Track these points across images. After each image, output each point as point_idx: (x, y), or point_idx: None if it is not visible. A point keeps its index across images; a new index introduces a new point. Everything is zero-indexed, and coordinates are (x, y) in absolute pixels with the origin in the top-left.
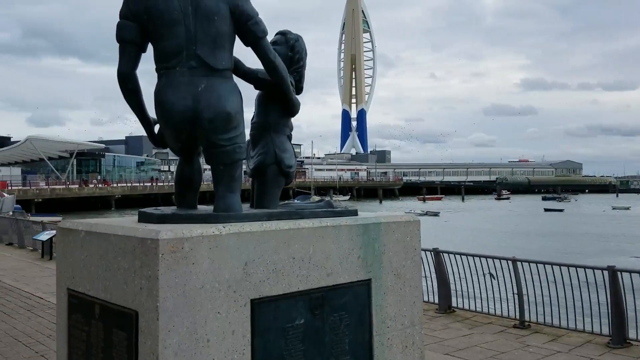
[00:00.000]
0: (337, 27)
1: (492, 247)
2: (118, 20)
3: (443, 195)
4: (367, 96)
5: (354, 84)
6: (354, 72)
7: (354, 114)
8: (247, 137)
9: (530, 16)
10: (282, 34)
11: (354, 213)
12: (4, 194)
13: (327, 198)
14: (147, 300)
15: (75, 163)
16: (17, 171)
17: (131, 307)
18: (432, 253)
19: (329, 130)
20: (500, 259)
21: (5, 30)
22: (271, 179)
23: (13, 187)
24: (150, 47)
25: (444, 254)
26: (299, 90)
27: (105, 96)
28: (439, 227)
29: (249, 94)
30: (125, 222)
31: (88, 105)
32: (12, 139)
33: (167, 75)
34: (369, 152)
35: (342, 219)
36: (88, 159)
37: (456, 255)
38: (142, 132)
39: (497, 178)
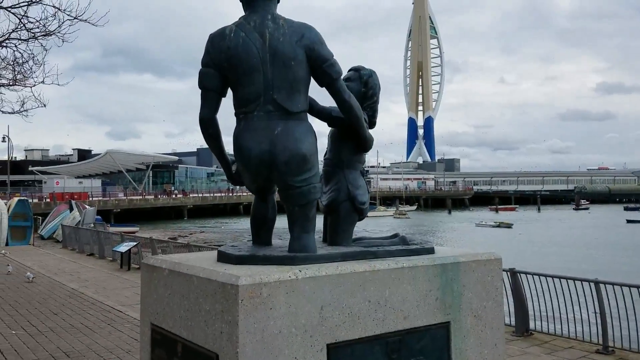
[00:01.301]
0: (403, 34)
1: (571, 262)
2: (200, 68)
3: (517, 206)
4: (434, 103)
5: (420, 91)
6: (420, 79)
7: (420, 122)
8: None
9: (607, 17)
10: (356, 70)
11: (431, 251)
12: (86, 206)
13: (402, 232)
14: (227, 345)
15: (150, 175)
16: (97, 183)
17: (212, 349)
18: (509, 273)
19: (393, 139)
20: (581, 280)
21: (88, 49)
22: (344, 216)
23: (94, 198)
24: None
25: (521, 274)
26: (372, 125)
27: (177, 109)
28: (513, 241)
29: (322, 129)
30: (206, 262)
31: (162, 119)
32: (92, 152)
33: (245, 120)
34: (436, 161)
35: (419, 258)
36: (163, 171)
37: (534, 276)
38: None
39: (575, 187)
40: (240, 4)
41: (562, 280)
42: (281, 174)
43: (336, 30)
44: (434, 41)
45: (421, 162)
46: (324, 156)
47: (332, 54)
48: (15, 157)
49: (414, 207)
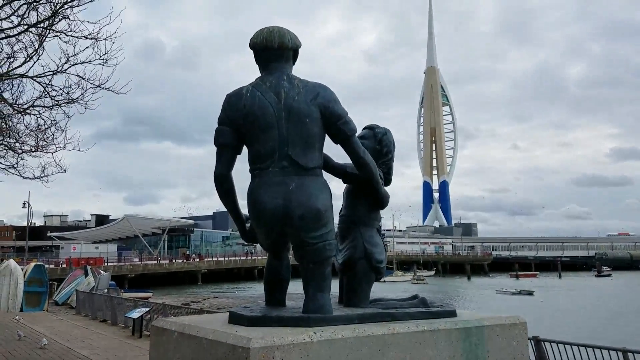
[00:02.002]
0: (415, 102)
1: (596, 330)
2: (217, 126)
3: (538, 272)
4: (448, 167)
5: (434, 156)
6: (434, 144)
7: (435, 186)
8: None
9: (616, 84)
10: (370, 128)
11: (453, 314)
12: (101, 271)
13: (421, 296)
14: None
15: (166, 239)
16: (113, 247)
17: None
18: (532, 342)
19: (408, 202)
20: (608, 349)
21: (110, 118)
22: (361, 275)
23: (109, 263)
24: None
25: (545, 342)
26: (388, 182)
27: (194, 174)
28: (535, 308)
29: (337, 191)
30: (216, 323)
31: (179, 184)
32: (110, 217)
33: (260, 176)
34: (453, 225)
35: (441, 321)
36: (178, 235)
37: (559, 345)
38: None
39: (595, 253)
40: (257, 67)
41: (588, 348)
42: (296, 229)
43: (351, 99)
44: (446, 108)
45: (438, 226)
46: (339, 213)
47: (347, 112)
48: (34, 223)
49: (432, 273)
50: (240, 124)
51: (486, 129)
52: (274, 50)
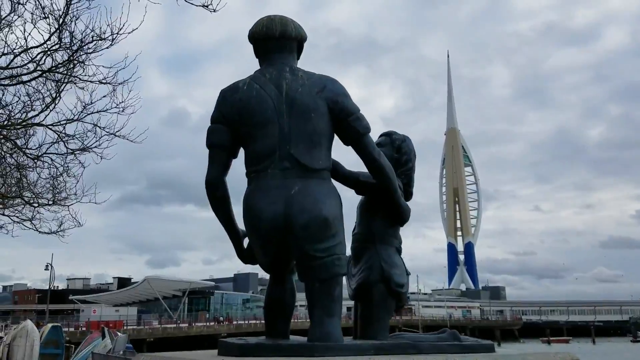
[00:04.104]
0: (432, 165)
1: None
2: (209, 125)
3: (570, 337)
4: (473, 229)
5: (458, 217)
6: (457, 205)
7: (460, 247)
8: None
9: (636, 146)
10: (387, 134)
11: (490, 348)
12: (118, 333)
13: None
14: None
15: (186, 301)
16: (133, 311)
17: None
18: None
19: (432, 265)
20: None
21: (135, 183)
22: (378, 302)
23: (128, 327)
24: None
25: None
26: (408, 195)
27: (216, 237)
28: None
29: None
30: (204, 355)
31: (201, 246)
32: (132, 280)
33: (257, 179)
34: (480, 288)
35: (476, 356)
36: (199, 298)
37: None
38: (249, 269)
39: (630, 317)
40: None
41: None
42: (298, 240)
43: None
44: (468, 169)
45: (464, 289)
46: (353, 231)
47: (359, 108)
48: (57, 286)
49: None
50: (236, 121)
51: (506, 190)
52: (275, 39)
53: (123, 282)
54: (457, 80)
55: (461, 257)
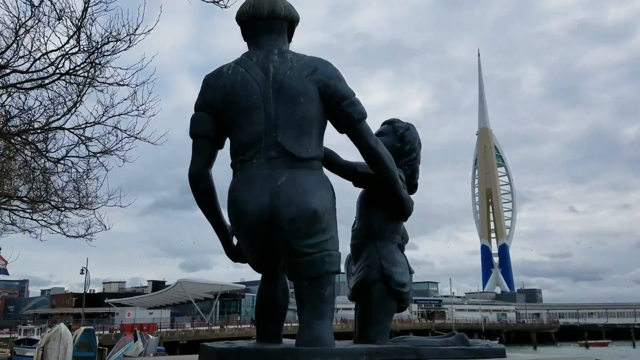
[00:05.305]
0: (466, 166)
1: None
2: (193, 114)
3: (609, 340)
4: (507, 230)
5: (491, 218)
6: (490, 206)
7: (494, 249)
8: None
9: None
10: (390, 122)
11: (501, 354)
12: (149, 335)
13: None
14: None
15: (218, 304)
16: (166, 313)
17: None
18: None
19: (464, 267)
20: None
21: (167, 189)
22: (377, 302)
23: (162, 329)
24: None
25: None
26: (412, 187)
27: None
28: None
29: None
30: None
31: None
32: (166, 283)
33: (242, 170)
34: (515, 291)
35: None
36: (230, 300)
37: None
38: None
39: None
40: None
41: None
42: (285, 235)
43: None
44: (501, 169)
45: (499, 292)
46: (352, 227)
47: (353, 92)
48: (93, 290)
49: (496, 342)
50: (220, 108)
51: (540, 191)
52: (263, 20)
53: (157, 285)
54: (486, 81)
55: (495, 259)
